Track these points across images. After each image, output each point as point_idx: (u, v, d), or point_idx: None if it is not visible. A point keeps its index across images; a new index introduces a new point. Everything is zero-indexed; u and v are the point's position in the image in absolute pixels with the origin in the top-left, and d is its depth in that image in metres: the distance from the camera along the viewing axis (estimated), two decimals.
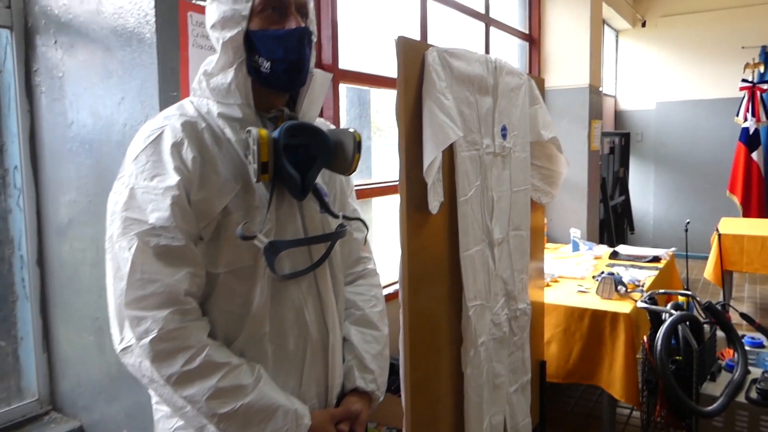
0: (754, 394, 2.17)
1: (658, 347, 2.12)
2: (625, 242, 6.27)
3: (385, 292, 2.48)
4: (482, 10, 3.54)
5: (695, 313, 2.53)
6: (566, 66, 4.14)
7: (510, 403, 2.19)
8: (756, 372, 2.42)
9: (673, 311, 2.34)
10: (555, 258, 3.49)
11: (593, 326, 2.57)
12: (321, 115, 2.25)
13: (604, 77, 6.69)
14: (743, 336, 3.11)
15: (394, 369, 1.44)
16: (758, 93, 5.79)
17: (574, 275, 3.06)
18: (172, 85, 1.09)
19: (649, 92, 6.78)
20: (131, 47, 1.24)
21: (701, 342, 2.32)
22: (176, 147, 0.93)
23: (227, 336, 0.97)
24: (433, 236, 1.66)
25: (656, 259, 3.42)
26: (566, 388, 2.82)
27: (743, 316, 3.07)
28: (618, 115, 7.03)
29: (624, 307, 2.54)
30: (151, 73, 1.20)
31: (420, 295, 1.61)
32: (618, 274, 2.81)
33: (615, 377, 2.50)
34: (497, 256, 1.99)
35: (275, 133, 0.95)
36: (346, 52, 2.46)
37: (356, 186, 2.50)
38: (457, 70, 1.70)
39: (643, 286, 2.86)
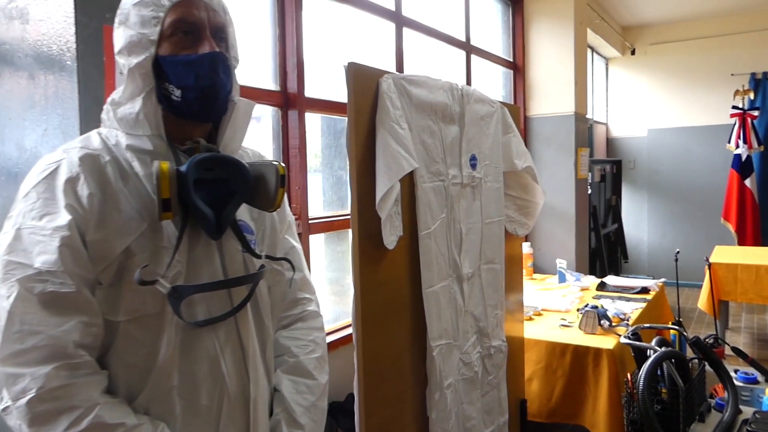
0: None
1: (640, 387, 2.00)
2: (618, 271, 6.16)
3: (344, 333, 2.39)
4: (463, 38, 3.50)
5: (686, 346, 2.42)
6: (551, 93, 4.09)
7: None
8: (747, 411, 2.30)
9: (657, 347, 2.23)
10: (539, 290, 3.38)
11: (575, 363, 2.45)
12: (286, 146, 2.18)
13: (595, 105, 6.67)
14: (736, 371, 2.99)
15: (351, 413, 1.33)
16: (749, 120, 5.75)
17: (559, 308, 2.95)
18: (95, 115, 1.02)
19: (640, 119, 6.74)
20: (54, 75, 1.17)
21: (688, 380, 2.21)
22: (71, 183, 0.84)
23: (130, 391, 0.87)
24: (391, 272, 1.56)
25: (644, 290, 3.31)
26: (552, 427, 2.70)
27: (735, 350, 2.96)
28: (610, 143, 6.98)
29: (607, 342, 2.43)
30: (72, 102, 1.12)
31: (377, 335, 1.51)
32: (602, 307, 2.70)
33: (599, 417, 2.38)
34: (467, 292, 1.89)
35: (183, 167, 0.87)
36: (319, 81, 2.40)
37: (332, 217, 2.41)
38: (417, 97, 1.63)
39: (628, 319, 2.75)
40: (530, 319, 2.82)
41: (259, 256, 0.98)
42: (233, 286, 0.94)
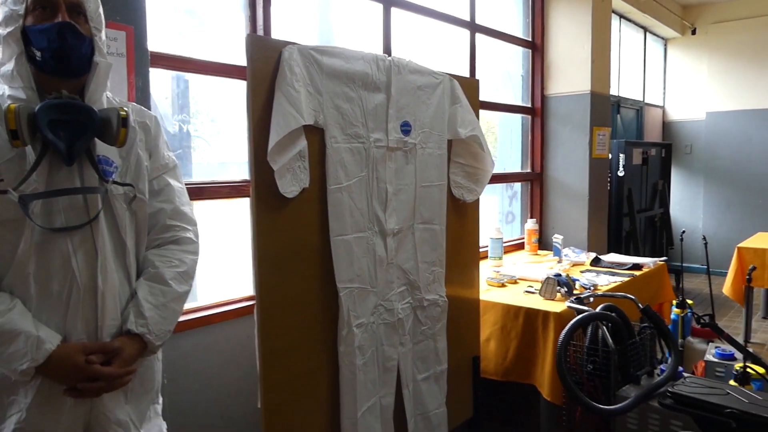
0: (666, 399, 2.11)
1: (559, 344, 2.12)
2: (662, 256, 6.00)
3: None
4: (467, 18, 3.62)
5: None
6: (569, 73, 4.11)
7: (417, 391, 2.26)
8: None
9: (599, 312, 2.32)
10: (529, 262, 3.47)
11: (527, 325, 2.58)
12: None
13: (650, 87, 6.47)
14: (717, 348, 2.97)
15: None
16: None
17: (536, 278, 3.05)
18: None
19: (698, 102, 6.47)
20: None
21: (623, 343, 2.28)
22: None
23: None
24: (294, 219, 1.80)
25: (636, 267, 3.32)
26: (507, 385, 2.81)
27: (710, 325, 2.96)
28: (666, 127, 6.74)
29: (557, 306, 2.54)
30: None
31: (278, 272, 1.76)
32: (568, 276, 2.79)
33: (545, 377, 2.50)
34: (392, 246, 2.09)
35: (36, 108, 1.16)
36: None
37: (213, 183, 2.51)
38: (329, 66, 1.85)
39: (595, 289, 2.82)
40: (502, 285, 2.96)
41: (107, 180, 1.26)
42: (69, 194, 1.21)
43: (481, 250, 3.63)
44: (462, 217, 2.49)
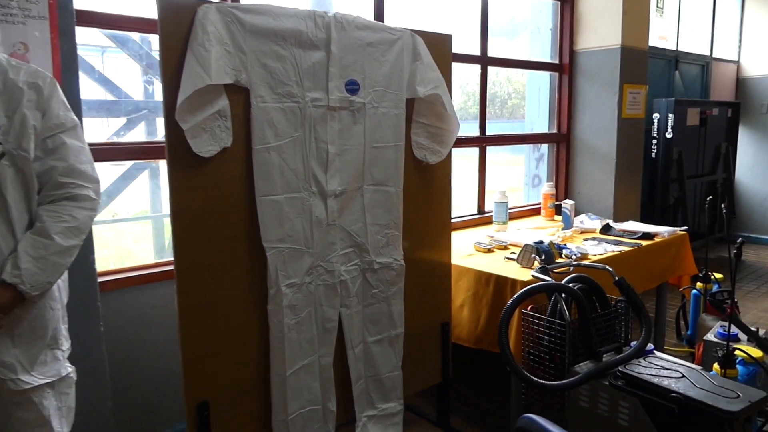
0: (618, 379, 1.98)
1: (502, 315, 2.04)
2: (722, 228, 5.56)
3: None
4: None
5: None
6: (598, 25, 3.80)
7: (368, 353, 2.27)
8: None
9: (551, 283, 2.20)
10: (532, 228, 3.32)
11: (497, 292, 2.49)
12: None
13: (722, 41, 5.88)
14: (721, 327, 2.73)
15: None
16: None
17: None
18: None
19: None
20: None
21: (586, 316, 2.16)
22: None
23: None
24: (216, 179, 1.81)
25: (647, 236, 3.10)
26: (479, 353, 2.73)
27: (712, 302, 2.74)
28: (740, 83, 6.12)
29: (526, 275, 2.42)
30: None
31: (197, 231, 1.79)
32: (552, 244, 2.64)
33: (511, 346, 2.41)
34: (335, 208, 2.07)
35: None
36: None
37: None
38: (253, 24, 1.82)
39: (582, 258, 2.66)
40: (488, 251, 2.86)
41: None
42: None
43: (486, 214, 3.53)
44: (428, 179, 2.41)
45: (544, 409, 2.30)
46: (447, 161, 2.46)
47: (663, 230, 3.18)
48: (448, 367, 2.60)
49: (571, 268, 2.48)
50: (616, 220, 3.70)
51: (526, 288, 2.05)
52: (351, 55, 2.06)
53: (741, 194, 6.12)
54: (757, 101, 5.94)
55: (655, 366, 1.96)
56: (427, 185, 2.41)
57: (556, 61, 4.00)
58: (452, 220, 3.54)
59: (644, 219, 4.75)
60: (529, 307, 2.28)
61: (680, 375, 1.88)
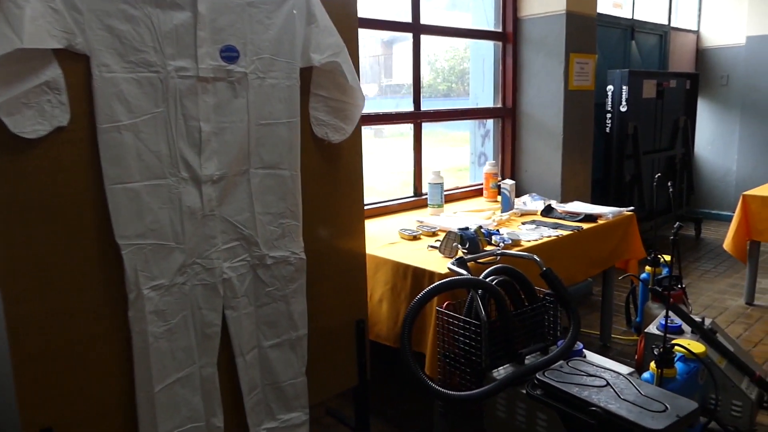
0: (535, 388, 1.74)
1: (404, 317, 1.78)
2: (680, 205, 5.38)
3: None
4: None
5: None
6: None
7: (265, 359, 2.00)
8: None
9: (462, 278, 1.95)
10: (468, 211, 3.06)
11: (415, 286, 2.24)
12: None
13: (682, 10, 5.65)
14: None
15: None
16: None
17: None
18: None
19: (739, 24, 5.59)
20: None
21: (505, 313, 1.91)
22: None
23: None
24: (49, 165, 1.51)
25: (589, 218, 2.86)
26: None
27: (653, 291, 2.52)
28: (700, 54, 5.91)
29: (444, 266, 2.16)
30: None
31: (24, 226, 1.49)
32: (479, 230, 2.39)
33: (428, 346, 2.17)
34: (213, 195, 1.78)
35: None
36: None
37: None
38: None
39: (513, 245, 2.41)
40: (414, 239, 2.59)
41: None
42: None
43: (423, 196, 3.27)
44: (334, 160, 2.12)
45: (464, 415, 2.06)
46: (356, 139, 2.17)
47: (607, 211, 2.95)
48: (365, 368, 2.35)
49: (498, 258, 2.24)
50: (564, 201, 3.48)
51: (433, 286, 1.79)
52: (226, 16, 1.75)
53: (701, 169, 5.95)
54: (716, 72, 5.75)
55: (579, 372, 1.73)
56: (334, 167, 2.13)
57: (500, 30, 3.71)
58: (386, 204, 3.30)
59: (598, 198, 4.55)
60: (446, 303, 2.03)
61: (604, 383, 1.65)
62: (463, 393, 1.71)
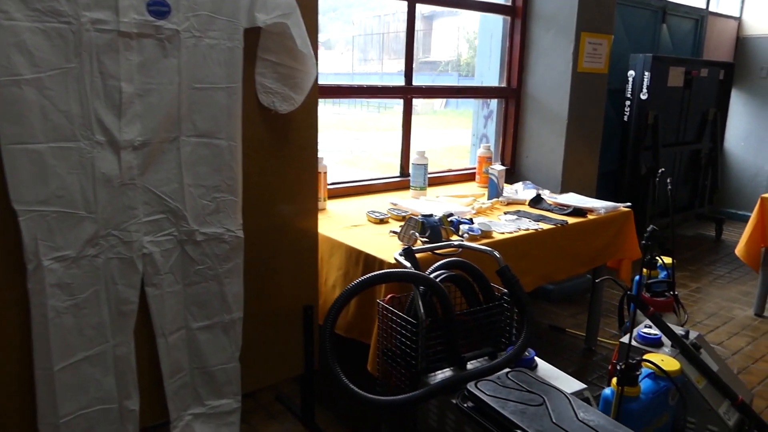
0: (466, 399, 1.57)
1: (327, 313, 1.62)
2: (703, 203, 5.06)
3: None
4: None
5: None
6: None
7: (193, 341, 1.87)
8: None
9: (398, 271, 1.77)
10: (450, 196, 2.86)
11: (366, 273, 2.05)
12: None
13: None
14: (644, 327, 2.29)
15: None
16: None
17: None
18: None
19: None
20: None
21: (448, 313, 1.73)
22: None
23: None
24: None
25: (578, 212, 2.64)
26: (352, 343, 2.33)
27: (632, 297, 2.29)
28: (740, 43, 5.49)
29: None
30: None
31: None
32: (445, 218, 2.19)
33: (373, 339, 2.01)
34: (133, 163, 1.64)
35: None
36: None
37: None
38: None
39: (482, 237, 2.21)
40: (380, 222, 2.42)
41: None
42: None
43: (409, 177, 3.08)
44: (282, 132, 1.96)
45: (399, 418, 1.91)
46: (311, 110, 2.00)
47: (600, 206, 2.71)
48: (312, 356, 2.21)
49: (460, 250, 2.05)
50: (563, 191, 3.24)
51: (360, 279, 1.62)
52: None
53: (730, 167, 5.58)
54: (756, 63, 5.33)
55: (518, 386, 1.54)
56: (283, 140, 1.96)
57: (509, 2, 3.45)
58: (371, 182, 3.12)
59: (610, 191, 4.28)
60: (388, 297, 1.86)
61: (540, 402, 1.47)
62: (383, 398, 1.55)
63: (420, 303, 1.69)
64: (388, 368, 1.86)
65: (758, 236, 3.34)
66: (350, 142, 11.89)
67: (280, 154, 1.97)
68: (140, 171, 1.66)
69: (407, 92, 3.08)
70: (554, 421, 1.38)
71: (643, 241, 1.69)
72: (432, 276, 1.76)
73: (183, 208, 1.75)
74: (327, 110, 16.18)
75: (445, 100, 15.07)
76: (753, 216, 3.35)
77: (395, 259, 1.86)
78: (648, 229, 1.69)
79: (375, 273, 1.62)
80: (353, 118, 15.21)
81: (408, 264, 1.79)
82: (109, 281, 1.67)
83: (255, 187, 1.92)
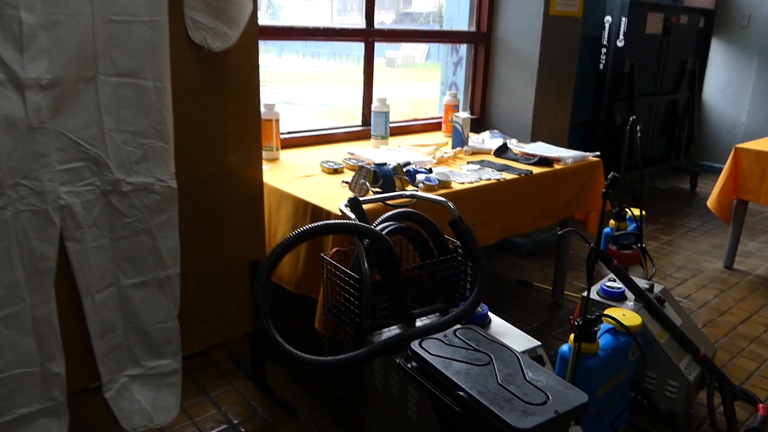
0: (406, 359, 1.46)
1: (260, 269, 1.49)
2: (679, 155, 4.97)
3: None
4: None
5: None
6: None
7: (126, 300, 1.74)
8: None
9: (351, 224, 1.65)
10: (412, 145, 2.72)
11: None
12: None
13: None
14: (607, 281, 2.22)
15: None
16: None
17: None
18: None
19: None
20: None
21: (394, 267, 1.62)
22: None
23: None
24: None
25: (545, 162, 2.52)
26: (302, 299, 2.22)
27: (596, 251, 2.20)
28: None
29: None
30: None
31: None
32: (399, 167, 2.06)
33: (321, 295, 1.90)
34: (41, 104, 1.46)
35: None
36: None
37: None
38: None
39: (439, 187, 2.09)
40: (334, 172, 2.28)
41: None
42: None
43: (369, 126, 2.93)
44: (218, 74, 1.79)
45: (351, 377, 1.82)
46: (250, 51, 1.83)
47: (567, 155, 2.59)
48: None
49: (414, 201, 1.93)
50: (533, 141, 3.11)
51: (298, 232, 1.49)
52: None
53: (707, 118, 5.48)
54: (738, 11, 5.17)
55: (465, 344, 1.44)
56: (220, 83, 1.80)
57: None
58: (331, 132, 2.96)
59: (585, 141, 4.17)
60: (333, 250, 1.74)
61: (487, 361, 1.37)
62: (319, 358, 1.44)
63: (364, 257, 1.58)
64: (335, 326, 1.75)
65: (730, 188, 3.26)
66: (328, 95, 11.59)
67: (217, 98, 1.80)
68: (51, 113, 1.49)
69: (368, 35, 2.89)
70: (500, 382, 1.29)
71: (604, 190, 1.57)
72: (379, 228, 1.64)
73: (105, 156, 1.59)
74: (305, 63, 15.78)
75: (426, 51, 14.76)
76: (726, 167, 3.26)
77: (340, 210, 1.73)
78: (609, 176, 1.57)
79: (312, 225, 1.49)
80: (332, 70, 14.86)
81: (352, 215, 1.66)
82: (21, 236, 1.52)
83: (190, 134, 1.77)
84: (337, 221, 1.57)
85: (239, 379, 2.26)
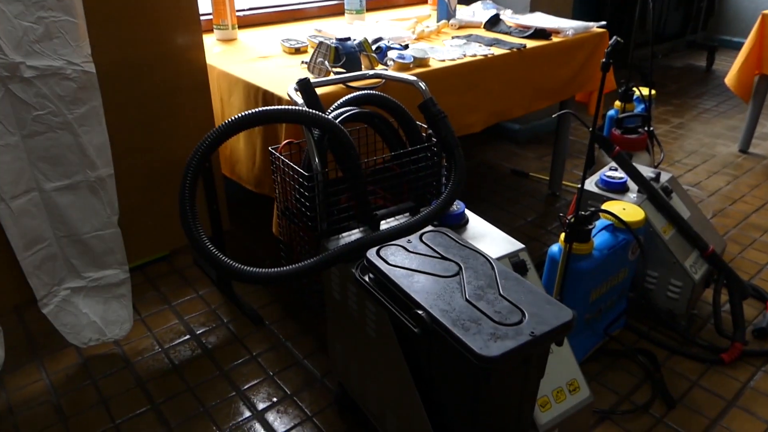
0: (363, 270, 1.25)
1: (185, 169, 1.24)
2: (696, 29, 4.51)
3: None
4: None
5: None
6: None
7: (52, 206, 1.53)
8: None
9: (294, 110, 1.38)
10: (393, 20, 2.37)
11: None
12: None
13: None
14: (609, 170, 1.96)
15: None
16: None
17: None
18: None
19: None
20: None
21: (352, 161, 1.37)
22: None
23: None
24: None
25: (541, 34, 2.18)
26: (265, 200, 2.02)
27: (593, 134, 1.93)
28: None
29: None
30: None
31: None
32: (366, 43, 1.74)
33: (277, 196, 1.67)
34: None
35: None
36: None
37: None
38: None
39: (418, 64, 1.79)
40: (295, 52, 1.97)
41: None
42: None
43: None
44: None
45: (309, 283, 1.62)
46: None
47: (568, 26, 2.24)
48: (218, 215, 1.89)
49: (383, 82, 1.64)
50: (532, 11, 2.73)
51: (225, 123, 1.22)
52: None
53: None
54: None
55: (431, 251, 1.23)
56: None
57: None
58: (300, 7, 2.60)
59: (592, 13, 3.74)
60: (284, 143, 1.48)
61: (455, 272, 1.16)
62: (253, 270, 1.23)
63: (314, 150, 1.32)
64: (292, 231, 1.54)
65: (753, 62, 2.91)
66: None
67: None
68: None
69: None
70: (467, 297, 1.08)
71: (603, 59, 1.28)
72: (333, 115, 1.38)
73: (8, 43, 1.31)
74: None
75: None
76: (750, 37, 2.89)
77: (288, 95, 1.45)
78: (611, 42, 1.27)
79: (241, 115, 1.21)
80: None
81: (300, 100, 1.39)
82: None
83: (108, 7, 1.46)
84: (272, 108, 1.29)
85: (204, 286, 2.09)
